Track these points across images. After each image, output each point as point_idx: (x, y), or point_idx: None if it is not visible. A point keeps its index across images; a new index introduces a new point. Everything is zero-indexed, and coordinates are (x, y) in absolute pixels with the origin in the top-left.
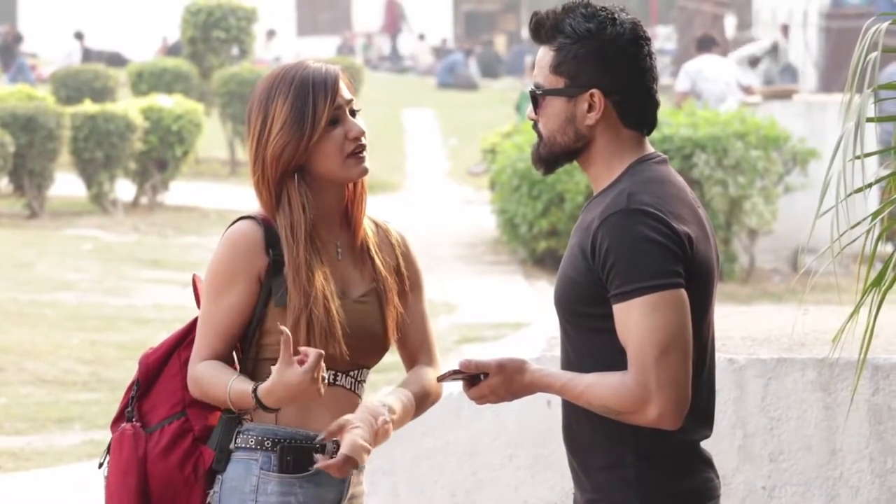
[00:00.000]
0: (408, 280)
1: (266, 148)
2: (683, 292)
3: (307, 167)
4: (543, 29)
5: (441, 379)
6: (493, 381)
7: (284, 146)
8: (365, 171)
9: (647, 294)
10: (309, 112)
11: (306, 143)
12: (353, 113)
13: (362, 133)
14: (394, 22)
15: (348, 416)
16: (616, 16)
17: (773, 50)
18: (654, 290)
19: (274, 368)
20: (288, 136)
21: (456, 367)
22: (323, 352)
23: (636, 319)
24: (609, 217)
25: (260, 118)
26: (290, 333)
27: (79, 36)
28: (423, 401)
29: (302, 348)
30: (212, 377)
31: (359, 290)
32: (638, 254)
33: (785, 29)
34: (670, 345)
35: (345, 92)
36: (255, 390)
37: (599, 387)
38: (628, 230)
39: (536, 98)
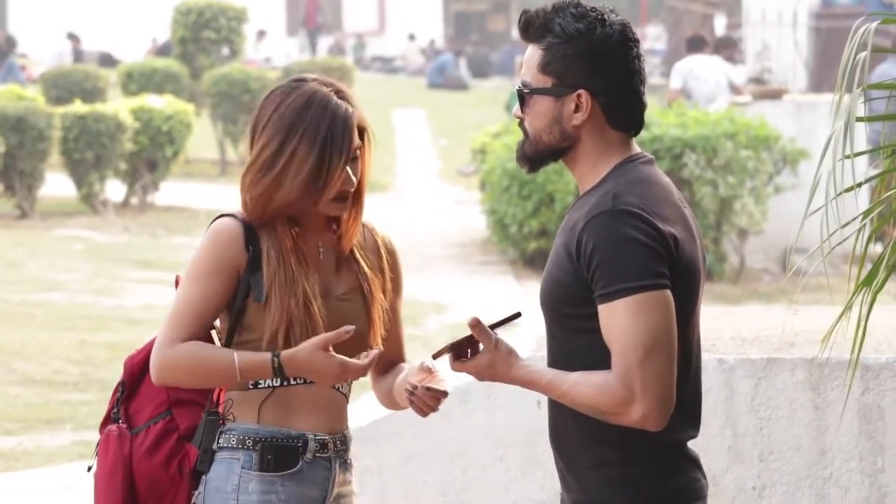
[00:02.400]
0: (391, 281)
1: (278, 189)
2: (668, 293)
3: None
4: (533, 27)
5: (437, 356)
6: (481, 360)
7: (297, 198)
8: (343, 211)
9: (631, 295)
10: (325, 169)
11: (314, 201)
12: (354, 157)
13: (353, 185)
14: (312, 16)
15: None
16: (606, 17)
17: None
18: (639, 290)
19: (307, 342)
20: (303, 189)
21: (450, 343)
22: (378, 352)
23: (621, 320)
24: (594, 217)
25: (276, 147)
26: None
27: (72, 37)
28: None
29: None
30: (209, 350)
31: (341, 288)
32: (623, 254)
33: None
34: (654, 346)
35: (356, 138)
36: (276, 354)
37: (584, 386)
38: (613, 231)
39: (523, 96)
